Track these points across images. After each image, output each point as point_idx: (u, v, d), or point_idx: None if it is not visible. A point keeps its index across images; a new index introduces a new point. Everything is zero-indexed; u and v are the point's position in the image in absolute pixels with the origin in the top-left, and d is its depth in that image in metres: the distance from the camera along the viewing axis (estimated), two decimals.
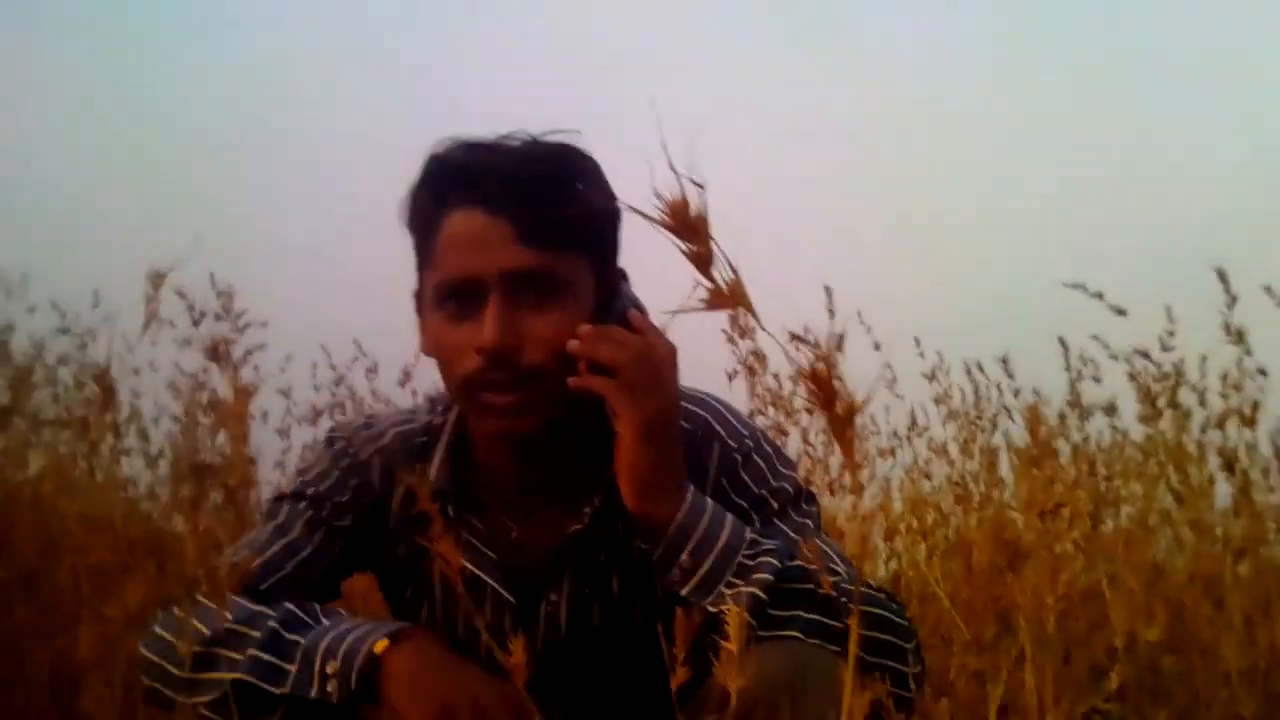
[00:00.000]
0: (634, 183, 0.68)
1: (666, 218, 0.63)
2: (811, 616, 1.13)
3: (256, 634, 1.12)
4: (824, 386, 0.62)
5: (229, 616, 1.13)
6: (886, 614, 1.18)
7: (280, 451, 3.10)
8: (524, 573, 1.30)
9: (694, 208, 0.63)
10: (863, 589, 1.18)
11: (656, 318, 1.23)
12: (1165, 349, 2.58)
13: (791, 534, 1.23)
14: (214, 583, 1.10)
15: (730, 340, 2.77)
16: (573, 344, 1.17)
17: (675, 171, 0.64)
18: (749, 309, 0.64)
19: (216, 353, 1.49)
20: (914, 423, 3.13)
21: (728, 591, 1.12)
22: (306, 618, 1.14)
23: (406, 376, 3.18)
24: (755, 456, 1.30)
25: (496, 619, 1.30)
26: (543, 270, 1.18)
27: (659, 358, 1.17)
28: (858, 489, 0.76)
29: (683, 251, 0.64)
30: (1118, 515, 2.73)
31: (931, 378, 3.11)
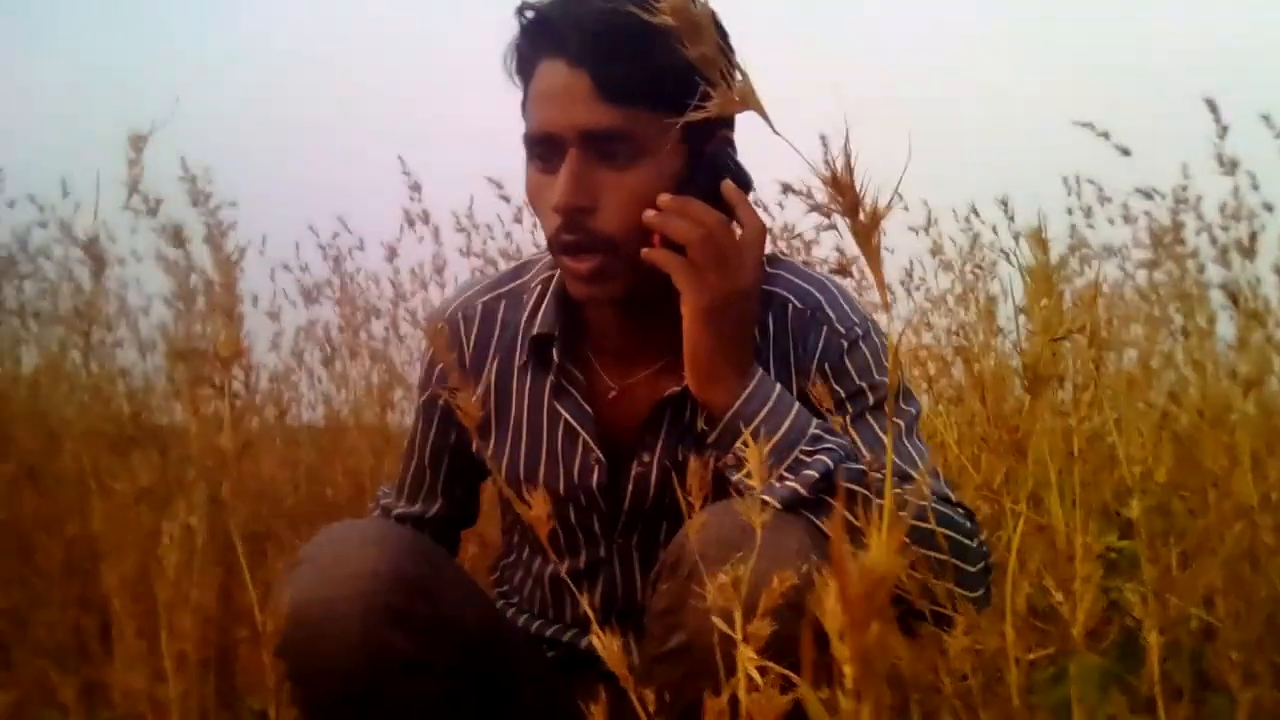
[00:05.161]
0: None
1: (666, 17, 0.59)
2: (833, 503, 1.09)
3: None
4: (845, 191, 0.58)
5: None
6: (952, 516, 1.15)
7: (273, 335, 3.08)
8: (618, 434, 1.29)
9: (698, 5, 0.59)
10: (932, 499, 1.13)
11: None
12: (1180, 200, 2.53)
13: (879, 432, 1.21)
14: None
15: None
16: (648, 214, 1.13)
17: None
18: (761, 112, 0.59)
19: (180, 238, 1.45)
20: (909, 275, 3.05)
21: (776, 484, 1.09)
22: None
23: (392, 253, 3.14)
24: (862, 345, 1.25)
25: (583, 477, 1.29)
26: (622, 131, 1.13)
27: (733, 238, 1.14)
28: (887, 307, 0.72)
29: (687, 56, 0.60)
30: (1120, 359, 2.71)
31: (924, 229, 2.99)
